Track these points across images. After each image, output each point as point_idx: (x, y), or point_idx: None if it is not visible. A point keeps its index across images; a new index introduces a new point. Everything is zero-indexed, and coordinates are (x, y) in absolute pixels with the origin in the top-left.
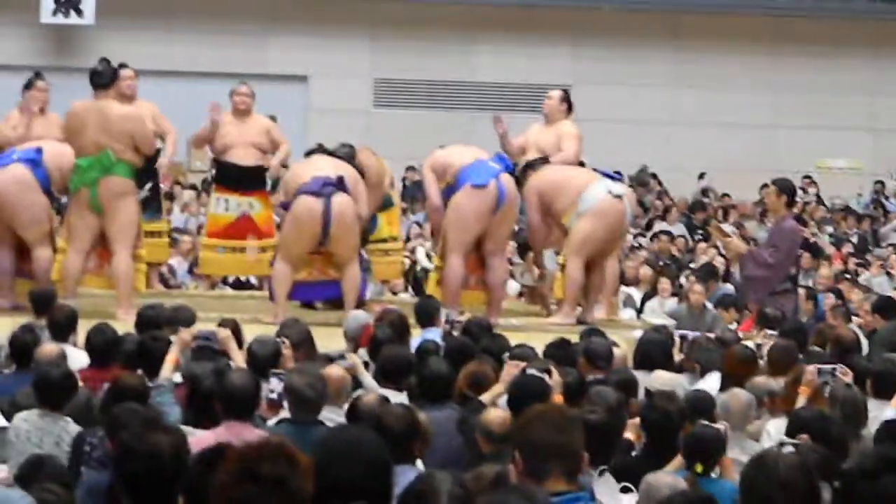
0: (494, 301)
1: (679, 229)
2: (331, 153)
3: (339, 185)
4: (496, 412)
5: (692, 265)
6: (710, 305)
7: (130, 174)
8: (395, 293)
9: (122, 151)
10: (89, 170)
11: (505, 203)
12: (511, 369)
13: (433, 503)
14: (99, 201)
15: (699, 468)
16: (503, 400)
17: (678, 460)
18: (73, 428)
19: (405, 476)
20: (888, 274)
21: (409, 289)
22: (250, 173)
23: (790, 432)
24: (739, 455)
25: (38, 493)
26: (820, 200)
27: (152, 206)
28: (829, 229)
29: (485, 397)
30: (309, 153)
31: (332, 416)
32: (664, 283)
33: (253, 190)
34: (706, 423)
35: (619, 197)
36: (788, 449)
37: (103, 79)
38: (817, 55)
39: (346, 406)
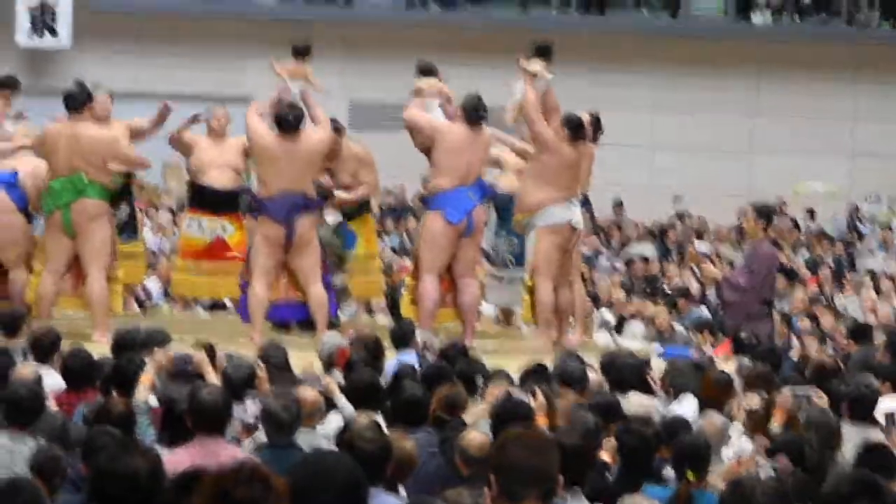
0: (467, 323)
1: (652, 252)
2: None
3: (304, 204)
4: (475, 435)
5: (665, 287)
6: (679, 327)
7: (103, 196)
8: (370, 313)
9: (95, 174)
10: (62, 192)
11: (473, 232)
12: (495, 390)
13: None
14: (71, 224)
15: (691, 476)
16: (485, 422)
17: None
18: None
19: (379, 500)
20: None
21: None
22: (225, 196)
23: (767, 454)
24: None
25: None
26: (797, 224)
27: (128, 227)
28: (805, 253)
29: (467, 417)
30: None
31: (307, 437)
32: (649, 308)
33: (226, 212)
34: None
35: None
36: (767, 470)
37: (76, 101)
38: (796, 79)
39: (318, 427)
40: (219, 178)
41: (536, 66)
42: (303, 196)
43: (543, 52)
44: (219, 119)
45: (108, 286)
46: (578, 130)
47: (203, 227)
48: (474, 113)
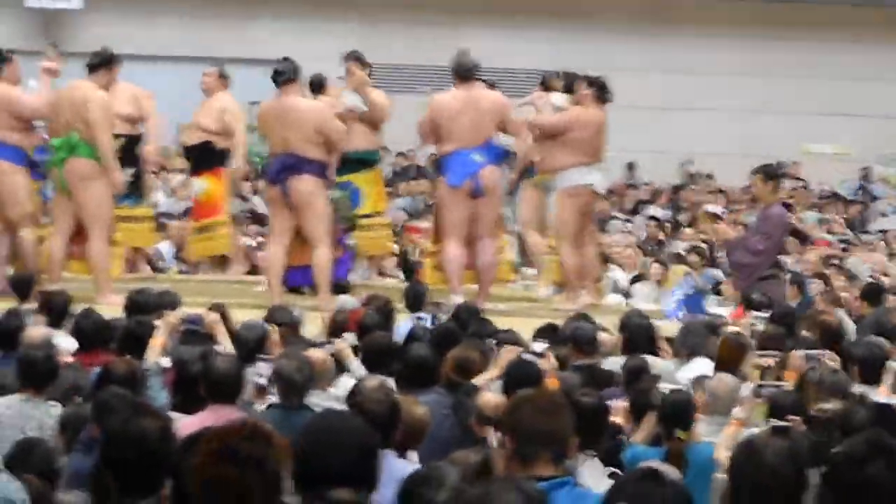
0: (482, 284)
1: (666, 214)
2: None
3: (298, 164)
4: (491, 396)
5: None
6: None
7: (93, 156)
8: (382, 275)
9: (86, 133)
10: (59, 150)
11: (483, 193)
12: (507, 354)
13: (438, 491)
14: (65, 182)
15: (682, 435)
16: (497, 384)
17: (650, 424)
18: (57, 412)
19: (389, 462)
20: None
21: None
22: (191, 152)
23: (770, 417)
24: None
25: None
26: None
27: (135, 191)
28: (816, 215)
29: (478, 381)
30: None
31: (316, 399)
32: (655, 268)
33: (198, 170)
34: (676, 387)
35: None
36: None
37: (91, 62)
38: (805, 40)
39: (329, 389)
40: (188, 137)
41: (559, 99)
42: (295, 157)
43: (569, 89)
44: (203, 77)
45: (107, 249)
46: (604, 91)
47: (194, 186)
48: (460, 69)
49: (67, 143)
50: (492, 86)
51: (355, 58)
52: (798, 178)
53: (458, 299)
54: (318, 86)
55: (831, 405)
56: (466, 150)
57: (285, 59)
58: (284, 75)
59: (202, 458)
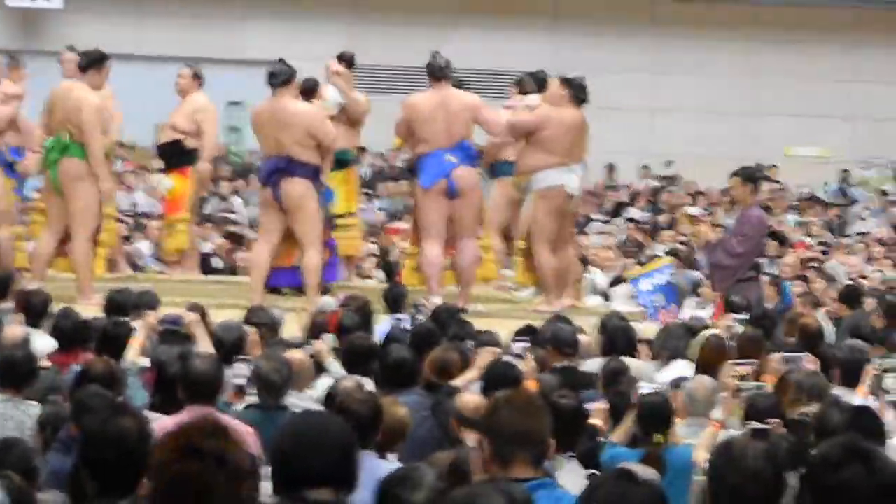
0: (462, 284)
1: (645, 216)
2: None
3: (289, 167)
4: (470, 397)
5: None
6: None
7: (85, 157)
8: (361, 276)
9: (78, 135)
10: (52, 150)
11: (457, 195)
12: (485, 355)
13: (415, 492)
14: (58, 182)
15: (660, 440)
16: (476, 386)
17: (628, 425)
18: (35, 412)
19: (370, 463)
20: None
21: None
22: (163, 151)
23: (748, 419)
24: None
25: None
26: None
27: None
28: (796, 217)
29: (457, 382)
30: None
31: (294, 400)
32: (634, 270)
33: (168, 169)
34: (653, 390)
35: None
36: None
37: (81, 62)
38: (788, 43)
39: (307, 391)
40: (162, 136)
41: (535, 101)
42: (287, 160)
43: (542, 86)
44: (177, 78)
45: (91, 249)
46: (581, 91)
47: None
48: (431, 69)
49: (59, 143)
50: (458, 85)
51: (346, 59)
52: (776, 181)
53: (437, 301)
54: (310, 90)
55: (811, 409)
56: (440, 150)
57: (281, 61)
58: (280, 77)
59: (166, 455)
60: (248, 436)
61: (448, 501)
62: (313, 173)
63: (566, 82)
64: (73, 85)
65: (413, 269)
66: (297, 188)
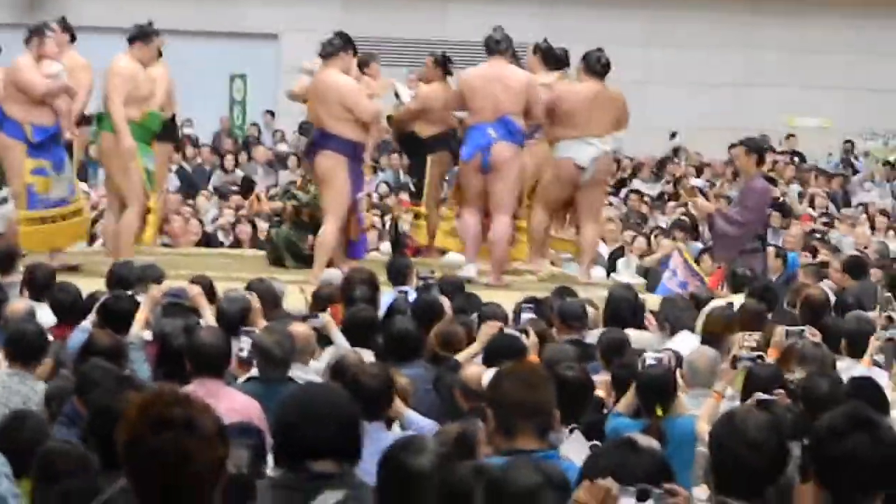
0: (492, 261)
1: (649, 188)
2: None
3: (323, 140)
4: (475, 369)
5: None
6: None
7: (113, 130)
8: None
9: (110, 106)
10: (99, 123)
11: (490, 170)
12: (488, 329)
13: (419, 457)
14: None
15: (660, 412)
16: (479, 359)
17: (629, 397)
18: (41, 388)
19: (377, 435)
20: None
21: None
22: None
23: (748, 391)
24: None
25: None
26: (801, 157)
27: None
28: (799, 188)
29: (461, 356)
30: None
31: (299, 373)
32: (638, 242)
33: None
34: (654, 359)
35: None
36: (761, 401)
37: (129, 35)
38: (789, 14)
39: (311, 363)
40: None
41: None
42: (319, 132)
43: (560, 62)
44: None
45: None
46: (596, 66)
47: None
48: (488, 43)
49: (99, 118)
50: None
51: (366, 57)
52: (795, 153)
53: (472, 269)
54: (361, 63)
55: (796, 376)
56: (484, 124)
57: (338, 33)
58: (325, 49)
59: (136, 429)
60: (254, 408)
61: (484, 477)
62: (349, 148)
63: (537, 49)
64: (114, 57)
65: (447, 232)
66: (326, 161)
